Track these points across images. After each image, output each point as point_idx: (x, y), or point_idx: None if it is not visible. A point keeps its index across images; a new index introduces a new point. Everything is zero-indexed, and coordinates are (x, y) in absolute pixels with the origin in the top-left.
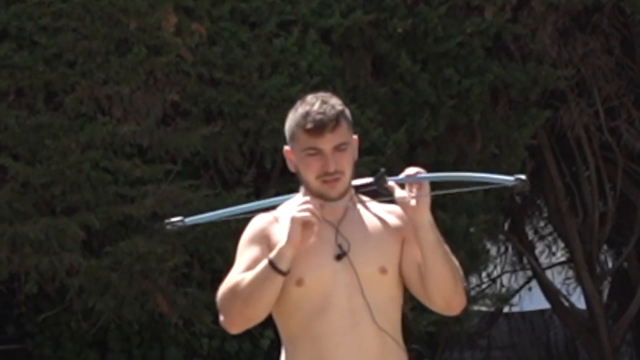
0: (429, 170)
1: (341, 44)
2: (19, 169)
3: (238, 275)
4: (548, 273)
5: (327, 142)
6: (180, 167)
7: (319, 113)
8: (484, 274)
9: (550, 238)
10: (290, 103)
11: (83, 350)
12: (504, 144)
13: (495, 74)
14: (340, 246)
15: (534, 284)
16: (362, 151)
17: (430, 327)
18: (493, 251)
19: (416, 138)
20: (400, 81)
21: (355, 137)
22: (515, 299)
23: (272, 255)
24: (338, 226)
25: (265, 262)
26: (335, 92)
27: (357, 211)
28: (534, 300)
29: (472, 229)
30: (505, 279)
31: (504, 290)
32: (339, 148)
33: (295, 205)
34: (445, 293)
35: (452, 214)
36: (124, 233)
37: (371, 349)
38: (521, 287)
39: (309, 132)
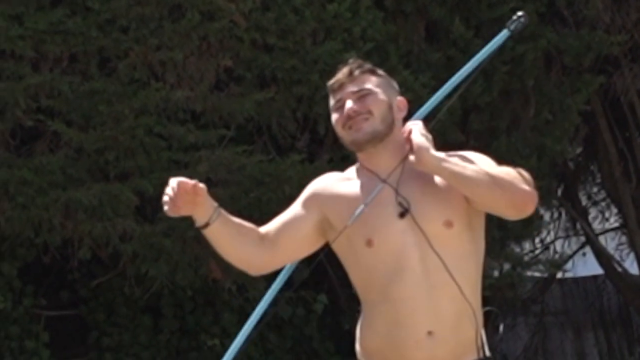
0: (482, 137)
1: (394, 10)
2: (72, 134)
3: None
4: (601, 239)
5: (346, 92)
6: (234, 133)
7: (339, 72)
8: (537, 240)
9: (603, 204)
10: None
11: (136, 315)
12: (558, 110)
13: (548, 40)
14: (400, 204)
15: (587, 249)
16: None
17: (485, 292)
18: (546, 217)
19: (470, 104)
20: (453, 47)
21: (401, 98)
22: (568, 265)
23: None
24: (397, 185)
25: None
26: (389, 57)
27: (411, 168)
28: (587, 266)
29: None
30: (558, 244)
31: (557, 256)
32: (360, 93)
33: (351, 172)
34: (502, 201)
35: None
36: None
37: (447, 312)
38: (574, 253)
39: (332, 89)
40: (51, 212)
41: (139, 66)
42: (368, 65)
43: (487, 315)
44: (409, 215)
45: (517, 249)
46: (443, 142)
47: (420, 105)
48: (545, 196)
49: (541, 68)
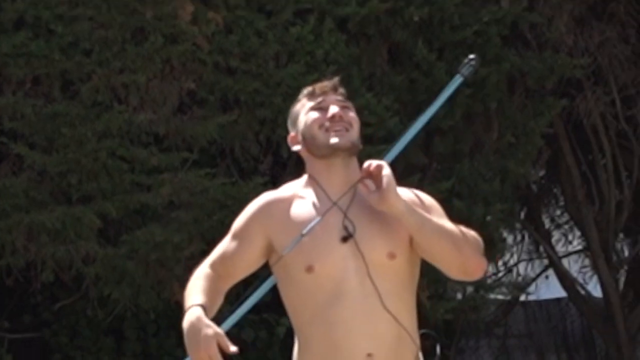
0: (445, 161)
1: (357, 33)
2: (35, 157)
3: (198, 274)
4: (564, 261)
5: (330, 97)
6: (197, 156)
7: (321, 84)
8: (500, 263)
9: (566, 226)
10: None
11: (99, 338)
12: (521, 133)
13: (511, 63)
14: (346, 228)
15: (550, 272)
16: (379, 139)
17: (448, 314)
18: (509, 240)
19: (433, 127)
20: (416, 70)
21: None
22: (531, 288)
23: (188, 304)
24: (346, 209)
25: (194, 300)
26: (352, 80)
27: (364, 196)
28: (550, 289)
29: (488, 218)
30: (521, 267)
31: (520, 278)
32: (344, 104)
33: (298, 186)
34: (454, 263)
35: (469, 203)
36: (141, 222)
37: (385, 335)
38: (538, 276)
39: (313, 94)
40: (14, 234)
41: (101, 89)
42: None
43: (450, 337)
44: (352, 240)
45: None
46: (406, 164)
47: (383, 129)
48: (508, 219)
49: (504, 91)
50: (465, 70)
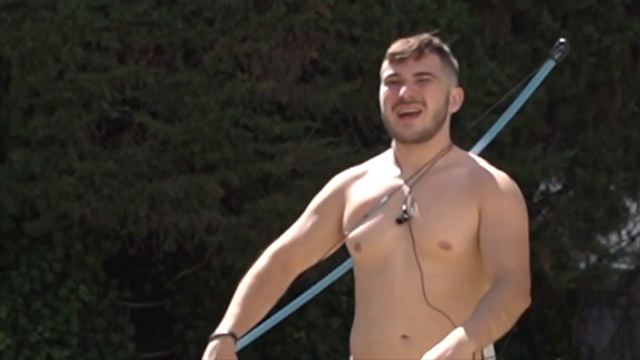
0: (568, 130)
1: (481, 1)
2: (158, 126)
3: (255, 270)
4: None
5: (407, 69)
6: (320, 125)
7: (405, 42)
8: (623, 232)
9: None
10: None
11: (222, 308)
12: None
13: (635, 32)
14: (405, 210)
15: None
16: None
17: (571, 284)
18: (633, 209)
19: (556, 96)
20: (540, 38)
21: (458, 89)
22: None
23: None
24: (411, 189)
25: (227, 319)
26: (475, 49)
27: (441, 172)
28: None
29: (611, 187)
30: None
31: None
32: (421, 77)
33: (380, 160)
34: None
35: (592, 172)
36: (263, 191)
37: (424, 319)
38: None
39: (391, 58)
40: (137, 204)
41: (224, 58)
42: (437, 42)
43: (573, 307)
44: (406, 224)
45: (603, 241)
46: (530, 133)
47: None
48: (631, 188)
49: (628, 60)
50: (556, 54)
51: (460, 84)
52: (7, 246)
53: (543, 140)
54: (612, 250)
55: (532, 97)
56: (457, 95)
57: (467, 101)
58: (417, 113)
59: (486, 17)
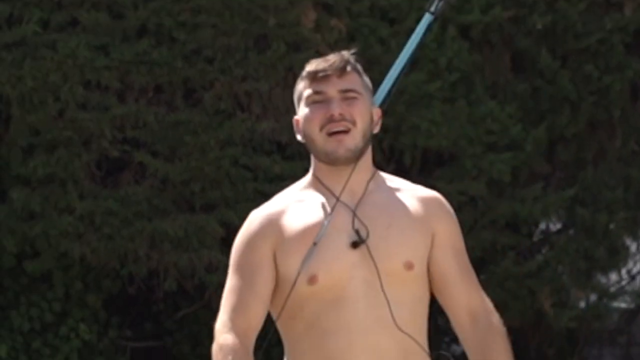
0: (568, 168)
1: (481, 40)
2: (158, 165)
3: (224, 350)
4: None
5: (332, 86)
6: None
7: (324, 60)
8: (623, 271)
9: None
10: (430, 99)
11: None
12: None
13: (635, 71)
14: (357, 232)
15: None
16: (502, 147)
17: (571, 323)
18: (633, 248)
19: (556, 134)
20: (540, 77)
21: (377, 109)
22: None
23: None
24: (355, 209)
25: None
26: (475, 88)
27: (380, 193)
28: None
29: (612, 226)
30: None
31: None
32: (347, 95)
33: (297, 190)
34: None
35: (592, 211)
36: None
37: (391, 351)
38: None
39: (312, 76)
40: (137, 242)
41: (224, 97)
42: (350, 57)
43: (573, 346)
44: (363, 246)
45: (604, 280)
46: (530, 172)
47: (507, 136)
48: (631, 227)
49: (627, 99)
50: (432, 6)
51: (460, 122)
52: (7, 285)
53: (543, 179)
54: (612, 289)
55: (413, 55)
56: (376, 115)
57: (467, 139)
58: (347, 131)
59: (486, 56)
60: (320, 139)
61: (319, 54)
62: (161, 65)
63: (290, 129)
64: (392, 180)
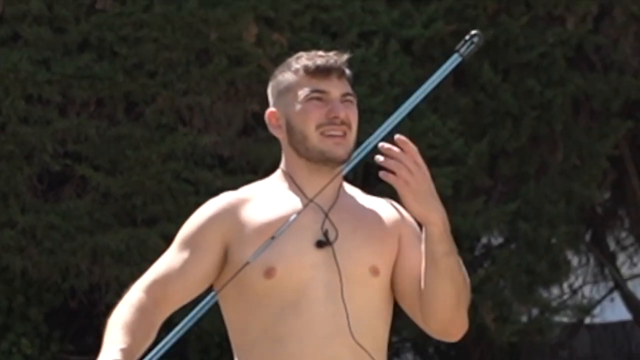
0: (510, 183)
1: (422, 55)
2: (99, 179)
3: (127, 300)
4: (630, 284)
5: (334, 87)
6: (262, 178)
7: (324, 56)
8: (565, 285)
9: (632, 249)
10: (372, 113)
11: None
12: (586, 155)
13: (577, 85)
14: (326, 232)
15: (615, 295)
16: (443, 162)
17: (513, 337)
18: (574, 262)
19: (498, 149)
20: (482, 91)
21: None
22: (596, 310)
23: (105, 344)
24: (328, 211)
25: (114, 340)
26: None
27: (347, 199)
28: (615, 311)
29: (553, 240)
30: (586, 290)
31: (585, 301)
32: (346, 98)
33: (266, 184)
34: (444, 315)
35: (534, 225)
36: None
37: None
38: (603, 298)
39: (314, 73)
40: (78, 257)
41: (166, 111)
42: (347, 58)
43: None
44: (329, 248)
45: (545, 294)
46: (471, 186)
47: (448, 151)
48: (573, 241)
49: (569, 113)
50: (463, 48)
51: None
52: None
53: (485, 194)
54: (554, 304)
55: (431, 93)
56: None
57: None
58: (343, 136)
59: (428, 71)
60: (315, 137)
61: (261, 68)
62: (103, 79)
63: (232, 142)
64: (352, 188)
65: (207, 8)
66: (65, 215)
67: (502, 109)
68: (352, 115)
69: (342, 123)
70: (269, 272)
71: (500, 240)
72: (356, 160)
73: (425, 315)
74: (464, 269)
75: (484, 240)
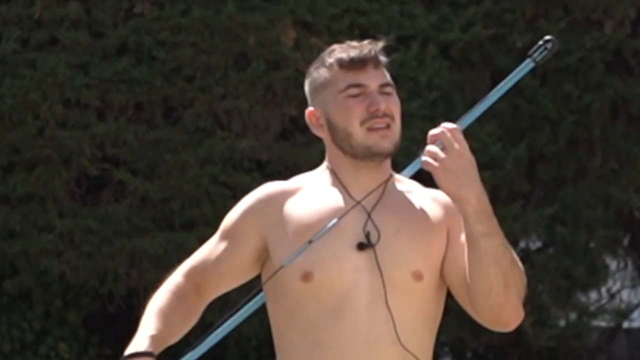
0: (548, 187)
1: (460, 59)
2: (137, 184)
3: (167, 286)
4: None
5: (371, 78)
6: None
7: (357, 47)
8: (603, 289)
9: None
10: (410, 117)
11: None
12: (624, 159)
13: (615, 89)
14: (367, 234)
15: None
16: (482, 166)
17: (551, 342)
18: (612, 266)
19: (536, 153)
20: (520, 96)
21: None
22: (634, 314)
23: (139, 330)
24: (371, 211)
25: (146, 327)
26: (455, 106)
27: (394, 196)
28: None
29: (591, 244)
30: (624, 294)
31: (623, 305)
32: (385, 89)
33: (311, 179)
34: (492, 301)
35: (572, 229)
36: None
37: None
38: None
39: (349, 66)
40: (116, 261)
41: (204, 115)
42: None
43: None
44: (370, 250)
45: (583, 299)
46: (509, 191)
47: (486, 155)
48: (611, 245)
49: (607, 117)
50: (537, 53)
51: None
52: None
53: (523, 198)
54: (592, 308)
55: (502, 97)
56: None
57: None
58: (388, 127)
59: (466, 75)
60: (360, 133)
61: (299, 72)
62: (141, 83)
63: (269, 147)
64: (405, 182)
65: (245, 12)
66: (104, 219)
67: (540, 113)
68: (393, 105)
69: (385, 115)
70: (306, 276)
71: (538, 244)
72: (412, 172)
73: (474, 304)
74: (514, 253)
75: (522, 244)
